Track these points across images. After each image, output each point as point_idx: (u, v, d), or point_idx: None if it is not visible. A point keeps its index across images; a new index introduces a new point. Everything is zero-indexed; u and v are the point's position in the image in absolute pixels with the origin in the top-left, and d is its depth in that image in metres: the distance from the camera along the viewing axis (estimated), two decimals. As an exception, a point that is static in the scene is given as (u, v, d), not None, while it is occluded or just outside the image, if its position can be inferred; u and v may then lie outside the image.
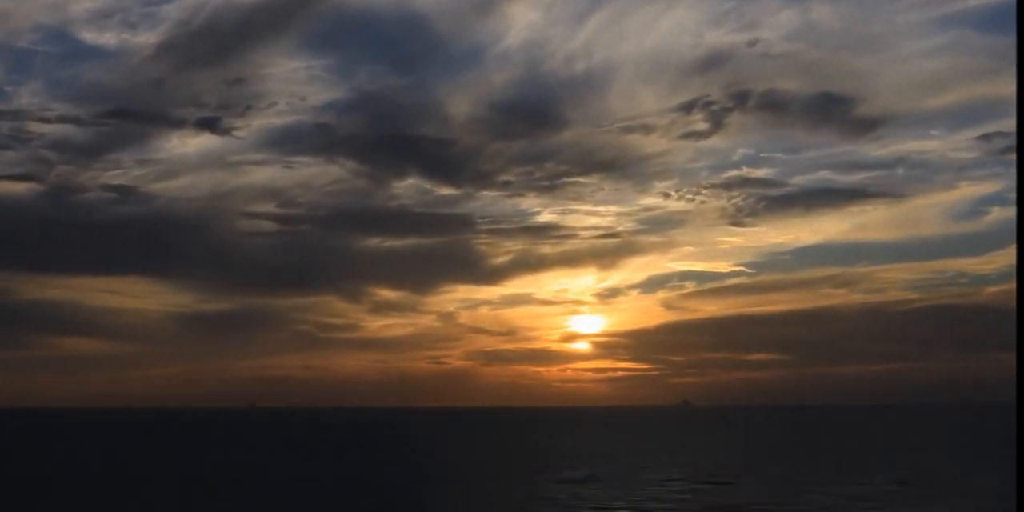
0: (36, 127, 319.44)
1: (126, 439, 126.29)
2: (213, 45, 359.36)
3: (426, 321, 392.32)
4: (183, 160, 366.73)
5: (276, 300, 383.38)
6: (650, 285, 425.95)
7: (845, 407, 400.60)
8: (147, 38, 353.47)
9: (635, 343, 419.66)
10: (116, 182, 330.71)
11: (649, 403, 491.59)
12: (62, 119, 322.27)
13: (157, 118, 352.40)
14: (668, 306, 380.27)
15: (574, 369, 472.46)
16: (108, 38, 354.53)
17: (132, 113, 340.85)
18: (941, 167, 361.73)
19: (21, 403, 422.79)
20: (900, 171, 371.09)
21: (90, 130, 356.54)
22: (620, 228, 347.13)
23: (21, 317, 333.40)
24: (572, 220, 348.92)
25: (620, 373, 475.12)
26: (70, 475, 64.64)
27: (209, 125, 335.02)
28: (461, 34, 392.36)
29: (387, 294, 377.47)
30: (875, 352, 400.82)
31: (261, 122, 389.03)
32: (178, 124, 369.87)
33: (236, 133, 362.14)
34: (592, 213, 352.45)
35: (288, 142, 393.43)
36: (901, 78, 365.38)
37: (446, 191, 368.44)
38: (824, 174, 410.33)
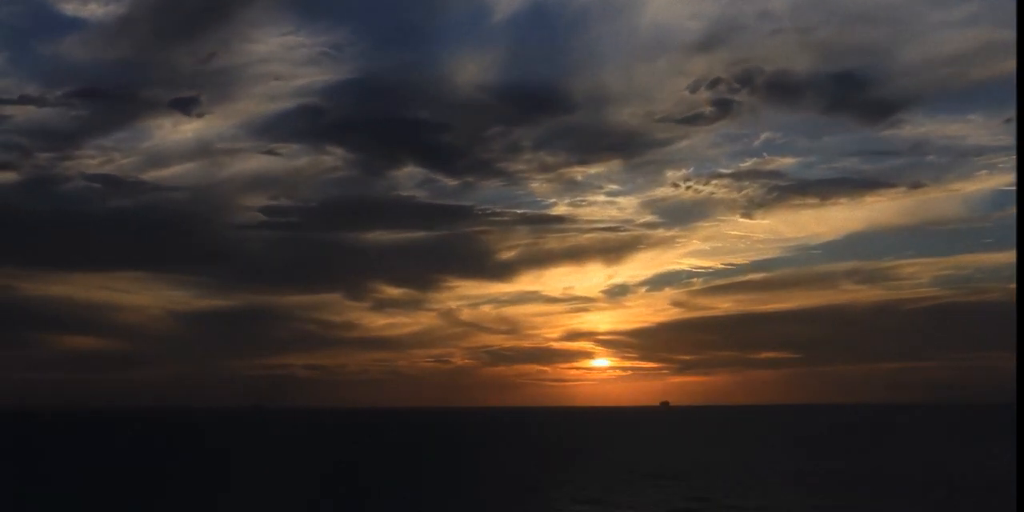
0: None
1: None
2: (183, 17, 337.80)
3: (428, 319, 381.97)
4: (167, 148, 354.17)
5: (276, 297, 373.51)
6: (659, 281, 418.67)
7: (854, 407, 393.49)
8: (116, 9, 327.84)
9: (643, 342, 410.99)
10: (100, 171, 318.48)
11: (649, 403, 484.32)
12: (25, 100, 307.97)
13: (127, 98, 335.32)
14: (677, 303, 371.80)
15: (579, 368, 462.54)
16: (92, 9, 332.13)
17: (100, 93, 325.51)
18: (966, 154, 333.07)
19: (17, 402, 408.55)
20: (921, 158, 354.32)
21: (61, 113, 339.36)
22: (628, 221, 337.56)
23: (14, 314, 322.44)
24: (579, 213, 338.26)
25: (628, 372, 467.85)
26: None
27: (184, 107, 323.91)
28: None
29: (390, 291, 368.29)
30: (891, 350, 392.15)
31: (242, 105, 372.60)
32: (151, 105, 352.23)
33: (216, 116, 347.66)
34: (600, 205, 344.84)
35: (274, 128, 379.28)
36: (923, 55, 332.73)
37: (446, 180, 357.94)
38: (840, 162, 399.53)
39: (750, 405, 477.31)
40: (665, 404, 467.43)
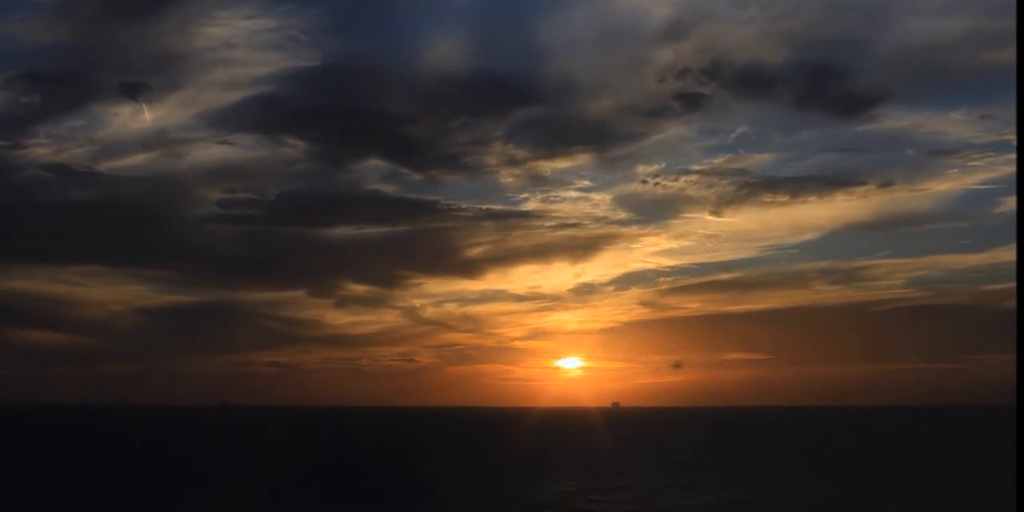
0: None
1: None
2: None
3: (393, 316, 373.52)
4: (121, 136, 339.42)
5: (239, 293, 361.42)
6: (626, 280, 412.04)
7: (819, 409, 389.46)
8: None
9: (609, 341, 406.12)
10: (53, 161, 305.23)
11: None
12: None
13: (74, 83, 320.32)
14: (645, 303, 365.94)
15: (543, 368, 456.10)
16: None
17: (45, 76, 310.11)
18: (941, 152, 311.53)
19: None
20: (894, 155, 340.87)
21: (8, 97, 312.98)
22: (601, 219, 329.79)
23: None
24: (549, 208, 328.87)
25: (594, 372, 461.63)
26: None
27: (134, 92, 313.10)
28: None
29: (354, 288, 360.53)
30: (863, 352, 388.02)
31: (197, 92, 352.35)
32: (100, 91, 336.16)
33: (169, 103, 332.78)
34: (571, 201, 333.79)
35: (231, 117, 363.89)
36: (901, 46, 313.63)
37: (412, 174, 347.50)
38: (813, 159, 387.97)
39: (718, 407, 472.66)
40: (616, 405, 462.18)
